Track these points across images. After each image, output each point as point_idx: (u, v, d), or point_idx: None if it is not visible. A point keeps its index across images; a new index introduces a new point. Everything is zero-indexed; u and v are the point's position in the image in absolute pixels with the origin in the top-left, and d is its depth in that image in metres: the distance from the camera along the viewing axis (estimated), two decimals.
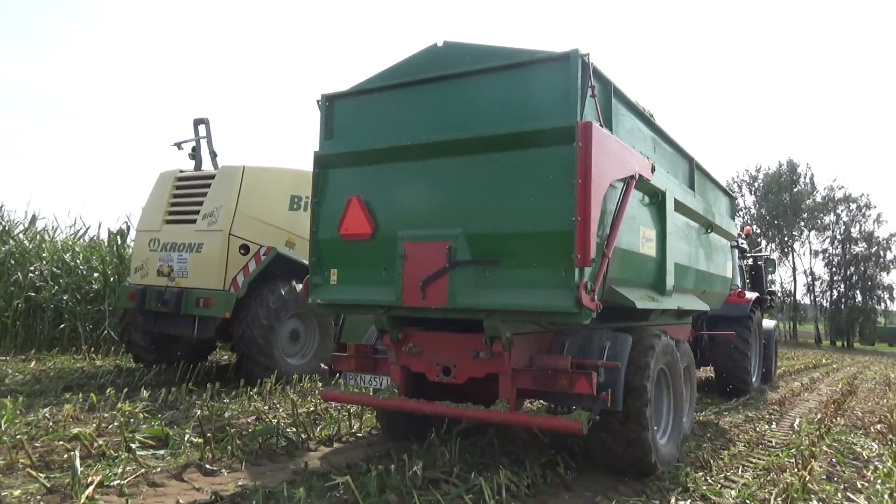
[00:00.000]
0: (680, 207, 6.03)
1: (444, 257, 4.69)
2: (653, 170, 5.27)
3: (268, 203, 8.87)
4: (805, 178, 54.49)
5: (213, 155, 9.37)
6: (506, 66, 4.62)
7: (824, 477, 5.31)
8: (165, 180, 9.39)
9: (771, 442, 6.80)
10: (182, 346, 9.63)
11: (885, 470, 5.49)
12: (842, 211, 54.98)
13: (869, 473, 5.56)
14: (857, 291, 54.89)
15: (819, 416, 8.41)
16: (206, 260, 8.50)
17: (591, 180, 4.25)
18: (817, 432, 7.08)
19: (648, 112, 5.74)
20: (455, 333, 5.04)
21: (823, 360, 23.66)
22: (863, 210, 54.30)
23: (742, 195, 55.37)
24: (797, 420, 8.13)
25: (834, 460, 5.95)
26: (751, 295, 10.95)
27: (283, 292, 8.49)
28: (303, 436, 5.76)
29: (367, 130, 5.26)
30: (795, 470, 5.21)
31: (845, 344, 52.96)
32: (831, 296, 55.71)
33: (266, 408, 6.89)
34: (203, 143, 9.38)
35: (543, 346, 5.05)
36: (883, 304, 55.23)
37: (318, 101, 5.53)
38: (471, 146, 4.69)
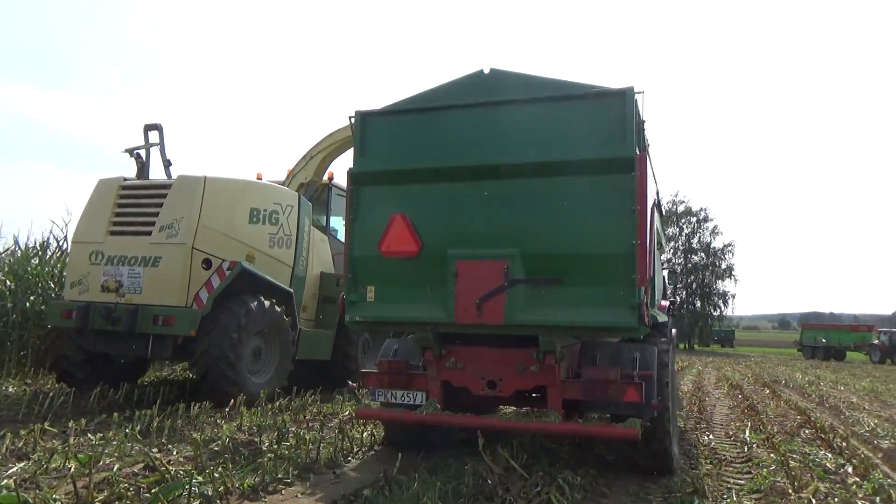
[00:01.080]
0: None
1: (501, 276, 4.99)
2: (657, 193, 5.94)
3: (228, 215, 8.57)
4: None
5: (168, 164, 8.88)
6: (561, 96, 5.03)
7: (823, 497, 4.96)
8: (106, 188, 8.74)
9: (729, 457, 6.51)
10: (114, 367, 9.01)
11: (872, 486, 5.34)
12: (683, 223, 61.22)
13: (856, 489, 5.28)
14: (697, 298, 61.30)
15: (748, 424, 8.60)
16: (165, 275, 8.05)
17: (645, 207, 4.78)
18: (768, 444, 7.05)
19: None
20: (498, 349, 5.33)
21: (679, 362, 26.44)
22: (701, 223, 60.91)
23: None
24: (728, 429, 8.31)
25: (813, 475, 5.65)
26: (665, 303, 12.21)
27: (251, 307, 8.25)
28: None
29: (409, 149, 5.42)
30: (792, 493, 4.93)
31: (687, 346, 58.84)
32: (674, 302, 61.68)
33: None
34: (154, 150, 8.85)
35: (575, 358, 5.49)
36: (718, 310, 62.05)
37: (350, 118, 5.61)
38: (527, 170, 5.04)
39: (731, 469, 6.05)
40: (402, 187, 5.40)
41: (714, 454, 6.69)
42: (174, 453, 5.42)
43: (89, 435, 5.87)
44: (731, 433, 8.08)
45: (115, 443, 5.53)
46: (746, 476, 5.74)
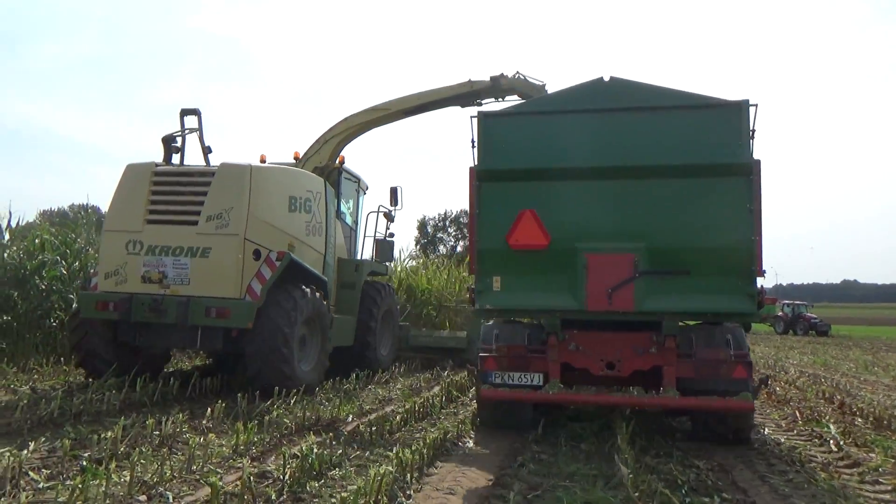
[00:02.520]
0: None
1: (630, 268, 5.70)
2: None
3: (273, 204, 8.64)
4: None
5: (208, 150, 8.75)
6: (683, 106, 5.77)
7: None
8: (138, 175, 8.52)
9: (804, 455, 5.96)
10: (140, 359, 8.91)
11: None
12: None
13: None
14: None
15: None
16: (217, 266, 8.06)
17: (760, 206, 5.63)
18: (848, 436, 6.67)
19: None
20: (617, 333, 6.05)
21: None
22: None
23: None
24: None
25: None
26: None
27: (298, 298, 8.43)
28: None
29: (535, 149, 5.99)
30: None
31: None
32: None
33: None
34: (191, 137, 8.70)
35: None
36: None
37: (473, 118, 6.07)
38: (653, 172, 5.76)
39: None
40: (530, 184, 5.96)
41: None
42: (309, 437, 5.71)
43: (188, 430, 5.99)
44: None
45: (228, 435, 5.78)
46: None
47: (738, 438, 6.33)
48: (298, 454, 4.67)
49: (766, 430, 7.08)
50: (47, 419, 6.10)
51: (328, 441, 5.43)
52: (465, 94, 10.70)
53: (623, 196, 5.83)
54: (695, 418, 6.68)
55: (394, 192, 11.72)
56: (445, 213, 65.74)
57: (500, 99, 10.75)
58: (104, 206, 12.82)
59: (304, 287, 8.66)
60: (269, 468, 4.70)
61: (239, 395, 7.26)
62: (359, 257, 11.66)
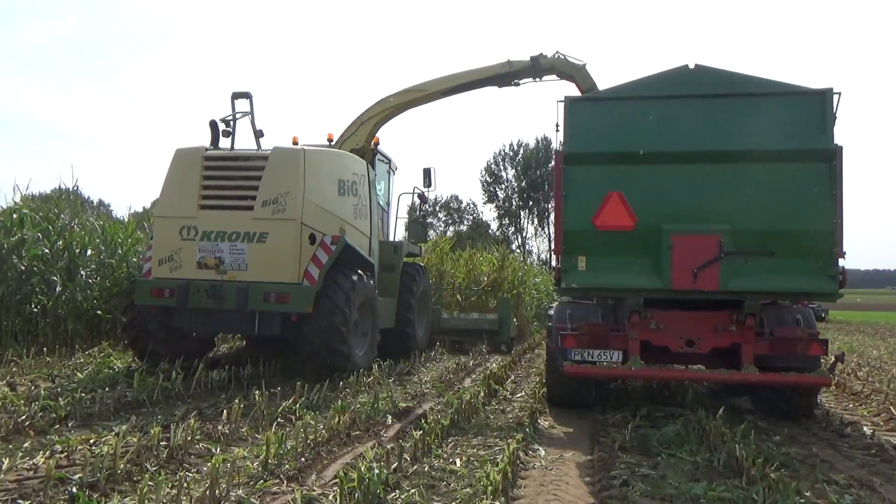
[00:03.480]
0: None
1: (715, 249, 5.97)
2: None
3: (325, 188, 8.76)
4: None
5: (259, 134, 8.82)
6: (768, 93, 6.03)
7: None
8: (188, 159, 8.57)
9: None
10: (189, 343, 9.05)
11: None
12: None
13: None
14: None
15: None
16: (275, 251, 8.17)
17: (842, 191, 5.90)
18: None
19: None
20: (696, 312, 6.33)
21: None
22: None
23: (505, 168, 62.62)
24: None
25: None
26: None
27: (354, 282, 8.59)
28: None
29: (621, 134, 6.22)
30: None
31: None
32: None
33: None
34: (242, 120, 8.76)
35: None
36: None
37: (559, 102, 6.28)
38: (739, 157, 6.04)
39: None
40: (616, 167, 6.20)
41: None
42: (351, 447, 5.15)
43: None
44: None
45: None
46: None
47: (805, 414, 6.69)
48: (348, 472, 3.89)
49: (869, 428, 6.42)
50: (27, 425, 5.21)
51: (376, 451, 4.51)
52: (503, 74, 10.81)
53: (708, 180, 6.09)
54: (758, 397, 7.02)
55: (427, 173, 11.87)
56: (436, 199, 66.15)
57: (538, 79, 10.88)
58: (88, 192, 12.96)
59: (358, 271, 8.83)
60: (314, 493, 3.89)
61: (256, 391, 6.43)
62: (391, 239, 11.82)
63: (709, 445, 5.16)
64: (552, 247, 6.74)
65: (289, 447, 4.67)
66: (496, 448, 5.08)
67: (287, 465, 4.37)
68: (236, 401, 5.84)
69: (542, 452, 5.16)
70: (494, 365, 10.24)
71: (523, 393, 8.08)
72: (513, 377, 9.42)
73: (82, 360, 9.26)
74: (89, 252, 11.13)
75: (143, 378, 7.15)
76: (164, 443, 4.63)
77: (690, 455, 4.97)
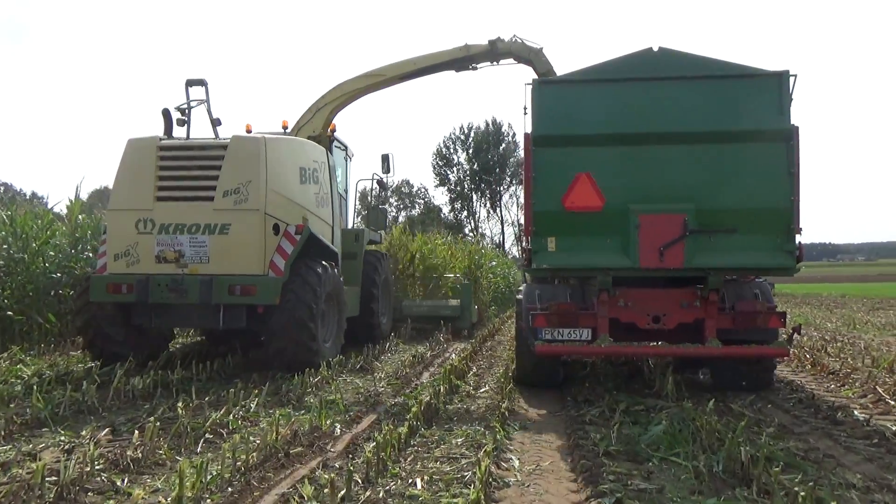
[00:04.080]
0: None
1: (680, 227, 6.20)
2: None
3: (286, 177, 8.65)
4: (508, 136, 63.89)
5: (216, 122, 8.65)
6: (728, 75, 6.25)
7: None
8: (142, 150, 8.35)
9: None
10: (146, 339, 8.87)
11: None
12: None
13: None
14: None
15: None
16: (238, 243, 8.06)
17: (799, 170, 6.18)
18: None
19: None
20: (662, 289, 6.56)
21: None
22: None
23: (456, 152, 62.65)
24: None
25: None
26: None
27: (320, 272, 8.56)
28: None
29: (588, 116, 6.37)
30: None
31: None
32: None
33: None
34: (198, 108, 8.58)
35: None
36: None
37: (527, 85, 6.38)
38: (701, 138, 6.26)
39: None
40: (584, 149, 6.36)
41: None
42: (292, 468, 4.37)
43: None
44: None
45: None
46: None
47: (761, 386, 7.03)
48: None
49: (860, 412, 6.06)
50: None
51: (319, 475, 4.05)
52: (461, 59, 10.87)
53: (673, 160, 6.30)
54: (716, 370, 7.34)
55: (385, 158, 11.88)
56: (383, 169, 66.12)
57: (495, 63, 10.97)
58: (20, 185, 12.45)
59: (323, 262, 8.79)
60: None
61: (181, 401, 5.84)
62: (349, 226, 11.79)
63: (702, 445, 4.74)
64: (513, 228, 6.85)
65: (212, 475, 3.97)
66: (463, 461, 4.50)
67: (208, 501, 3.65)
68: (158, 412, 5.45)
69: (517, 463, 4.56)
70: (454, 356, 9.85)
71: (487, 388, 7.44)
72: (475, 369, 8.84)
73: None
74: None
75: (48, 389, 6.45)
76: (54, 477, 3.78)
77: (685, 459, 4.48)
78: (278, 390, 6.84)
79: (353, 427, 5.47)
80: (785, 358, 7.15)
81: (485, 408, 6.34)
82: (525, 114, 6.45)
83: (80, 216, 11.80)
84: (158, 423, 4.96)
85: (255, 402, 6.12)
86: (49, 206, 13.44)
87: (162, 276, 8.00)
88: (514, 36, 10.66)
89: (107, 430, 5.14)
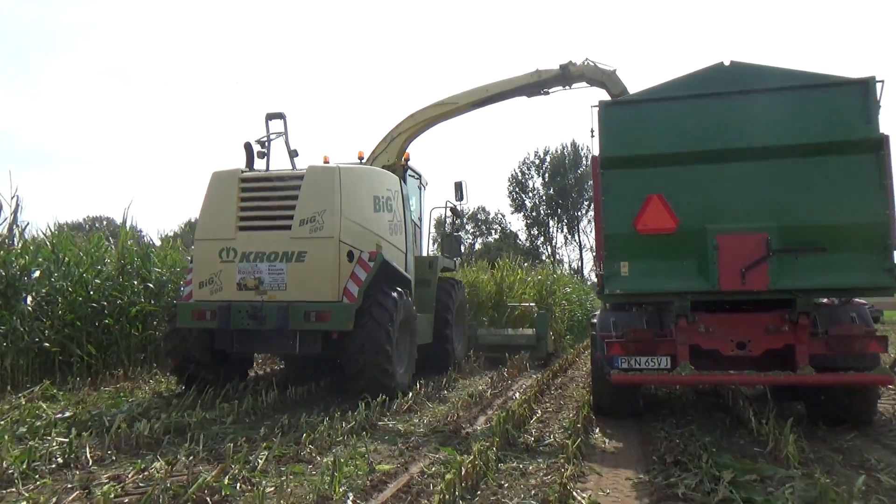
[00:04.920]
0: None
1: (762, 247, 5.90)
2: None
3: (360, 205, 8.87)
4: (587, 158, 62.71)
5: (294, 154, 8.99)
6: (807, 85, 5.97)
7: None
8: (224, 181, 8.76)
9: None
10: (231, 363, 9.19)
11: None
12: None
13: None
14: None
15: None
16: (314, 270, 8.28)
17: (892, 181, 5.81)
18: None
19: None
20: (746, 314, 6.25)
21: None
22: None
23: (531, 177, 62.54)
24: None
25: None
26: None
27: (396, 299, 8.65)
28: None
29: (658, 135, 6.22)
30: None
31: None
32: None
33: None
34: (277, 140, 8.95)
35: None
36: None
37: (593, 107, 6.31)
38: (780, 151, 5.97)
39: None
40: (655, 169, 6.18)
41: None
42: None
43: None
44: None
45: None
46: None
47: (862, 419, 6.50)
48: None
49: None
50: None
51: None
52: (533, 84, 10.88)
53: (751, 177, 6.03)
54: (812, 401, 6.87)
55: (458, 186, 11.96)
56: (456, 197, 66.57)
57: (567, 87, 10.92)
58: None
59: (398, 288, 8.90)
60: None
61: (157, 465, 4.90)
62: (425, 253, 11.90)
63: None
64: (592, 254, 6.69)
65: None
66: None
67: None
68: (131, 477, 4.61)
69: None
70: (518, 395, 8.96)
71: (552, 439, 6.10)
72: (539, 413, 7.51)
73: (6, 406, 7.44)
74: (36, 274, 9.65)
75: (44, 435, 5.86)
76: None
77: None
78: (298, 440, 5.70)
79: (369, 499, 4.31)
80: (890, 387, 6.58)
81: (546, 468, 5.03)
82: (592, 136, 6.37)
83: (128, 241, 11.50)
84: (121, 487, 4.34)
85: (264, 457, 5.08)
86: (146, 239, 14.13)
87: (242, 303, 8.29)
88: (587, 59, 10.59)
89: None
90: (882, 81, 5.89)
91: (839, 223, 5.86)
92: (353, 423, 6.36)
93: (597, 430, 6.48)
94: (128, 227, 11.73)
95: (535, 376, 10.62)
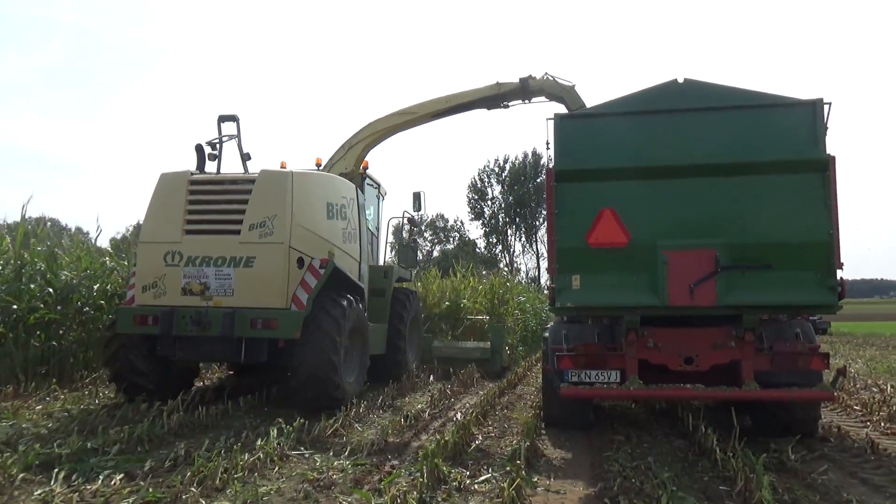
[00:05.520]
0: None
1: (711, 263, 5.88)
2: None
3: (313, 211, 8.62)
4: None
5: (246, 157, 8.70)
6: (758, 105, 5.98)
7: None
8: (173, 184, 8.43)
9: None
10: (172, 374, 8.81)
11: None
12: None
13: None
14: None
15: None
16: (263, 276, 8.00)
17: (836, 201, 5.85)
18: None
19: None
20: (694, 329, 6.22)
21: None
22: None
23: (490, 185, 62.53)
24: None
25: None
26: None
27: (345, 307, 8.42)
28: None
29: (612, 149, 6.15)
30: None
31: None
32: None
33: None
34: (229, 143, 8.65)
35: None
36: None
37: (549, 120, 6.22)
38: (731, 169, 5.96)
39: None
40: (608, 184, 6.11)
41: None
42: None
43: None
44: None
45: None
46: None
47: (805, 431, 6.51)
48: None
49: None
50: None
51: None
52: (492, 97, 10.80)
53: (701, 193, 6.01)
54: (757, 415, 6.90)
55: (417, 196, 11.79)
56: (421, 218, 66.15)
57: (527, 101, 10.87)
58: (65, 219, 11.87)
59: (348, 296, 8.66)
60: None
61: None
62: (381, 263, 11.68)
63: None
64: (546, 265, 6.59)
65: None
66: None
67: None
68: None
69: None
70: (459, 414, 7.90)
71: (490, 474, 5.15)
72: (480, 439, 6.53)
73: None
74: None
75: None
76: None
77: None
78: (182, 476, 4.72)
79: None
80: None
81: None
82: (548, 148, 6.28)
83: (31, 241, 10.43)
84: None
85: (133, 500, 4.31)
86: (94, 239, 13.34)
87: (187, 308, 7.95)
88: (546, 73, 10.56)
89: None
90: (829, 104, 5.93)
91: (785, 241, 5.87)
92: (257, 455, 5.28)
93: (542, 461, 5.76)
94: (30, 225, 10.67)
95: (481, 393, 9.89)
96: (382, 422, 7.45)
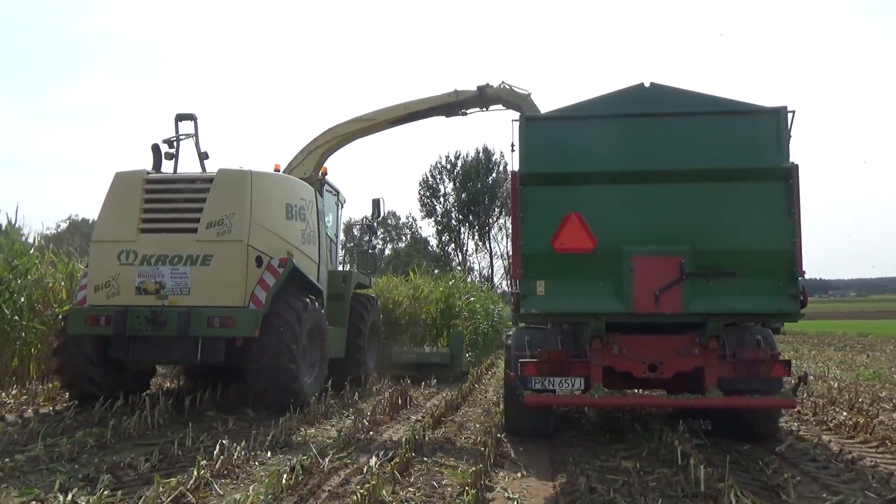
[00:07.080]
0: None
1: (676, 270, 5.63)
2: None
3: (272, 211, 8.10)
4: (500, 165, 56.77)
5: (204, 156, 8.13)
6: (723, 111, 5.76)
7: None
8: (128, 182, 7.80)
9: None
10: (125, 377, 8.18)
11: None
12: None
13: None
14: None
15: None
16: (219, 274, 7.43)
17: (800, 210, 5.69)
18: None
19: None
20: (659, 336, 5.95)
21: None
22: None
23: (443, 181, 59.60)
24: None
25: None
26: None
27: (303, 307, 7.96)
28: None
29: (578, 153, 5.81)
30: None
31: None
32: None
33: None
34: (187, 142, 8.09)
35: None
36: None
37: (514, 121, 5.89)
38: (696, 176, 5.68)
39: None
40: (574, 188, 5.76)
41: None
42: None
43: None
44: None
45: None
46: None
47: (766, 435, 6.31)
48: None
49: None
50: None
51: None
52: (450, 104, 10.45)
53: (667, 199, 5.71)
54: (717, 419, 6.71)
55: (376, 203, 11.38)
56: (373, 215, 63.40)
57: (484, 108, 10.55)
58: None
59: (307, 296, 8.22)
60: None
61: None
62: (339, 269, 11.23)
63: None
64: (503, 262, 6.25)
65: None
66: None
67: None
68: None
69: None
70: (374, 460, 5.07)
71: None
72: (412, 477, 4.79)
73: None
74: None
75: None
76: None
77: None
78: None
79: None
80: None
81: None
82: (513, 151, 5.94)
83: None
84: None
85: None
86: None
87: (141, 307, 7.35)
88: (503, 82, 10.27)
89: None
90: (793, 112, 5.73)
91: (749, 249, 5.65)
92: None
93: None
94: None
95: (413, 418, 7.68)
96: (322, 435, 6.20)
